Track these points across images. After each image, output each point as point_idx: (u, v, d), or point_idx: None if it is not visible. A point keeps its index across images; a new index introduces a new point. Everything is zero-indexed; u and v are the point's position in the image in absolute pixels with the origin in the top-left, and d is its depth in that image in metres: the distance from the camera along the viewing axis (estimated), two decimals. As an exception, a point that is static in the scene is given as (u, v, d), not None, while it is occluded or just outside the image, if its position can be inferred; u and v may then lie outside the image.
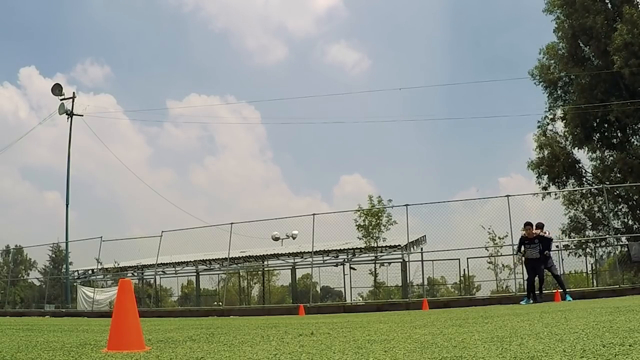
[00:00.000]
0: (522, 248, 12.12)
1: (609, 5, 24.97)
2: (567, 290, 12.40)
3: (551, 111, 27.16)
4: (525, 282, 12.63)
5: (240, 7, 69.72)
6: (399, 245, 20.19)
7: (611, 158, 25.39)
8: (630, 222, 25.14)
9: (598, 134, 25.80)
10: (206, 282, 27.94)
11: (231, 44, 72.05)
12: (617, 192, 24.33)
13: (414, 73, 68.53)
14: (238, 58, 72.97)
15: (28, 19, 65.49)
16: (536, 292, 12.01)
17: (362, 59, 71.29)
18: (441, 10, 68.42)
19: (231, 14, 69.84)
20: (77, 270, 28.26)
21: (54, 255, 42.38)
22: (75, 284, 27.19)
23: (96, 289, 24.79)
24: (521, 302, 11.74)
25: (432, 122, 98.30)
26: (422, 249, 20.27)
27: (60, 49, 70.98)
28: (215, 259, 24.46)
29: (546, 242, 12.02)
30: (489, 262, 19.05)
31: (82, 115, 29.93)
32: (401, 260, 20.17)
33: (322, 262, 22.96)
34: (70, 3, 69.04)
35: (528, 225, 12.13)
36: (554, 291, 12.81)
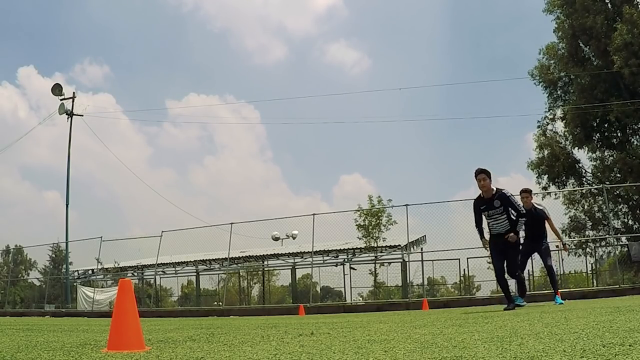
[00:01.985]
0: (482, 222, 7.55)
1: (609, 5, 24.97)
2: (560, 290, 9.47)
3: (551, 111, 27.20)
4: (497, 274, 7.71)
5: (239, 6, 69.84)
6: (399, 245, 20.19)
7: (611, 158, 25.40)
8: (630, 222, 25.15)
9: (598, 134, 25.81)
10: (206, 282, 27.96)
11: (230, 43, 72.16)
12: (617, 192, 24.33)
13: (414, 73, 68.62)
14: (237, 58, 73.10)
15: (26, 19, 65.55)
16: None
17: (361, 58, 71.38)
18: (441, 10, 68.53)
19: (230, 14, 69.95)
20: (77, 270, 28.27)
21: (54, 255, 42.37)
22: (75, 284, 27.19)
23: (96, 289, 24.79)
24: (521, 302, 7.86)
25: (432, 122, 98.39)
26: (422, 249, 20.28)
27: (59, 48, 71.11)
28: (215, 259, 24.46)
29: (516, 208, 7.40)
30: (489, 262, 19.03)
31: (82, 115, 29.95)
32: (401, 260, 20.18)
33: (322, 262, 22.96)
34: (69, 2, 69.13)
35: (525, 192, 8.82)
36: (553, 291, 12.74)
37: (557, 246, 14.49)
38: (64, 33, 70.93)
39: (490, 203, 7.22)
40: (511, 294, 7.79)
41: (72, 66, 71.26)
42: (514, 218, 7.25)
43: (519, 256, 7.84)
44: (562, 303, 8.63)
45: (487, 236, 7.58)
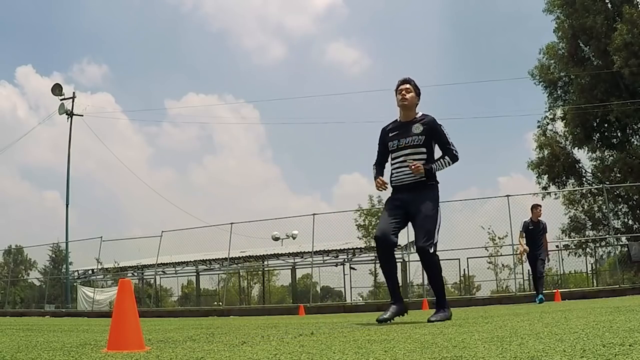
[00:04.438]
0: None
1: (609, 5, 24.97)
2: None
3: (551, 111, 27.20)
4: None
5: (238, 6, 69.79)
6: (399, 245, 20.17)
7: (611, 158, 25.41)
8: (630, 222, 25.15)
9: (598, 134, 25.81)
10: (206, 282, 28.01)
11: (229, 43, 72.10)
12: (617, 192, 24.34)
13: (414, 72, 68.58)
14: (236, 57, 73.02)
15: (24, 17, 65.53)
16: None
17: (361, 58, 71.29)
18: (441, 9, 68.52)
19: (229, 13, 69.88)
20: (77, 270, 28.28)
21: (54, 255, 42.30)
22: (75, 284, 27.20)
23: (96, 289, 24.81)
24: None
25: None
26: (422, 249, 20.25)
27: (57, 47, 71.06)
28: (215, 259, 24.47)
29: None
30: (489, 262, 19.07)
31: (82, 116, 29.92)
32: (401, 260, 20.18)
33: (322, 262, 22.97)
34: (67, 1, 69.05)
35: (538, 206, 10.63)
36: (553, 291, 12.81)
37: (556, 246, 14.79)
38: (62, 32, 70.92)
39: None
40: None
41: (71, 65, 71.38)
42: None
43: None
44: (542, 300, 10.13)
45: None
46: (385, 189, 4.69)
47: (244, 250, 24.81)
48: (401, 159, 4.58)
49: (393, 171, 4.68)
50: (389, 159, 4.76)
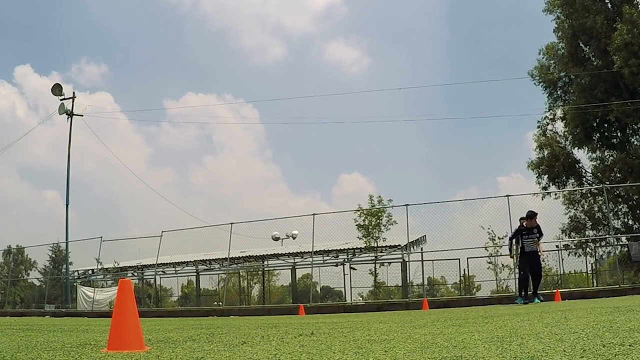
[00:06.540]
0: (515, 241, 11.39)
1: (609, 5, 24.97)
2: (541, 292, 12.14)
3: (551, 111, 27.18)
4: (519, 279, 11.60)
5: (237, 5, 69.77)
6: (399, 245, 20.20)
7: (611, 158, 25.40)
8: (630, 222, 25.14)
9: (598, 134, 25.80)
10: (206, 282, 27.99)
11: (228, 42, 72.04)
12: (617, 192, 24.33)
13: (414, 72, 68.52)
14: (235, 57, 72.93)
15: (23, 17, 65.44)
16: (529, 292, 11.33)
17: (361, 57, 71.26)
18: (441, 9, 68.51)
19: (228, 13, 69.85)
20: (77, 270, 28.28)
21: (54, 255, 42.35)
22: (75, 284, 27.20)
23: (96, 289, 24.80)
24: (516, 302, 11.22)
25: (432, 121, 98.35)
26: (422, 248, 20.27)
27: (56, 47, 70.85)
28: (215, 259, 24.47)
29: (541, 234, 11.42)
30: (489, 262, 19.05)
31: (82, 116, 29.91)
32: (401, 260, 20.18)
33: (322, 262, 22.96)
34: (66, 1, 68.94)
35: (532, 214, 11.32)
36: (553, 291, 12.82)
37: (556, 246, 14.98)
38: (60, 31, 70.70)
39: (531, 230, 11.19)
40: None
41: (69, 65, 71.12)
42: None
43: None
44: (541, 301, 11.16)
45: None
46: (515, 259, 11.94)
47: (244, 250, 24.80)
48: (530, 242, 11.15)
49: (525, 245, 11.19)
50: (520, 240, 11.27)
